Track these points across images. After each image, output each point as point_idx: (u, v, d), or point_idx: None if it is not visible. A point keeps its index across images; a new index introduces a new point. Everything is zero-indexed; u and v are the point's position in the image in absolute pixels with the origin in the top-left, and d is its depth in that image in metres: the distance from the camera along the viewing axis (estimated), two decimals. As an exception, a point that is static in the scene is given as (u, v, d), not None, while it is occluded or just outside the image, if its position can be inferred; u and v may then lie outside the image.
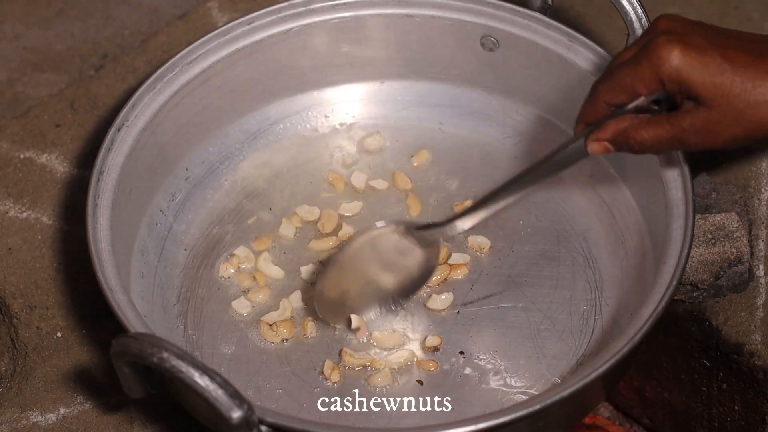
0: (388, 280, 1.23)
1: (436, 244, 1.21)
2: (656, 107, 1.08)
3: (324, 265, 1.27)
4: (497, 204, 1.16)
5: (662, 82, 1.06)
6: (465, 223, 1.18)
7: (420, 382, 1.20)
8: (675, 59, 1.04)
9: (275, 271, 1.27)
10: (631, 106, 1.08)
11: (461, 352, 1.21)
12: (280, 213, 1.32)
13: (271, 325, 1.23)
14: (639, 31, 1.22)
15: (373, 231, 1.21)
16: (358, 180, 1.34)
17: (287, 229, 1.30)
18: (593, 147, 1.11)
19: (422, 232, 1.21)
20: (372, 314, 1.23)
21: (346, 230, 1.30)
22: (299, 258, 1.29)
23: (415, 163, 1.35)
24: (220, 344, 1.23)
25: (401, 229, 1.21)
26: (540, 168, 1.13)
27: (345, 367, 1.20)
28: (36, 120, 1.43)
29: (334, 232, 1.30)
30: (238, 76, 1.32)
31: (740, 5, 1.51)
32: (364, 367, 1.21)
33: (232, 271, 1.28)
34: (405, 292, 1.23)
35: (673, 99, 1.07)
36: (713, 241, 1.26)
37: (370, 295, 1.23)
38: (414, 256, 1.22)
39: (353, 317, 1.22)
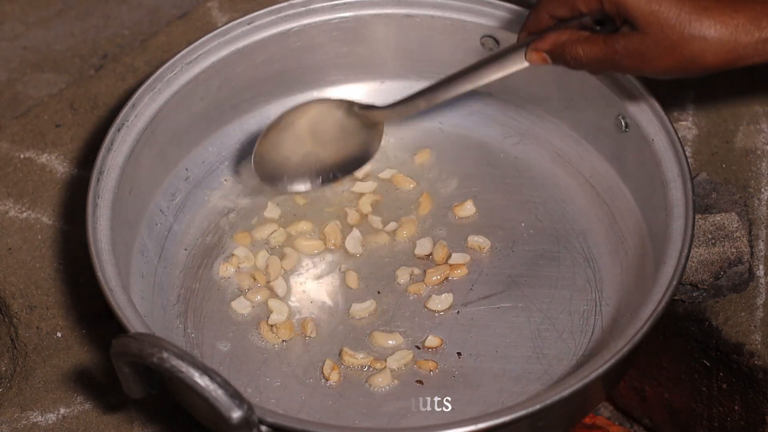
0: (329, 154, 1.26)
1: (378, 127, 1.26)
2: (599, 27, 1.09)
3: (266, 128, 1.27)
4: (436, 97, 1.20)
5: (601, 2, 1.06)
6: (404, 110, 1.23)
7: (420, 382, 1.20)
8: None
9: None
10: (574, 22, 1.10)
11: (460, 353, 1.21)
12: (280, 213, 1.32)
13: (271, 326, 1.23)
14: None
15: (315, 103, 1.26)
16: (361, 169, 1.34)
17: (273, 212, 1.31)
18: (531, 56, 1.13)
19: (365, 112, 1.24)
20: (310, 184, 1.26)
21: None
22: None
23: (418, 162, 1.35)
24: (220, 344, 1.23)
25: (344, 107, 1.25)
26: (479, 68, 1.17)
27: (345, 367, 1.20)
28: (36, 120, 1.43)
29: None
30: (238, 76, 1.32)
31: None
32: (364, 367, 1.21)
33: (232, 270, 1.28)
34: (344, 168, 1.27)
35: (613, 21, 1.08)
36: (713, 241, 1.26)
37: (311, 165, 1.26)
38: (356, 135, 1.26)
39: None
